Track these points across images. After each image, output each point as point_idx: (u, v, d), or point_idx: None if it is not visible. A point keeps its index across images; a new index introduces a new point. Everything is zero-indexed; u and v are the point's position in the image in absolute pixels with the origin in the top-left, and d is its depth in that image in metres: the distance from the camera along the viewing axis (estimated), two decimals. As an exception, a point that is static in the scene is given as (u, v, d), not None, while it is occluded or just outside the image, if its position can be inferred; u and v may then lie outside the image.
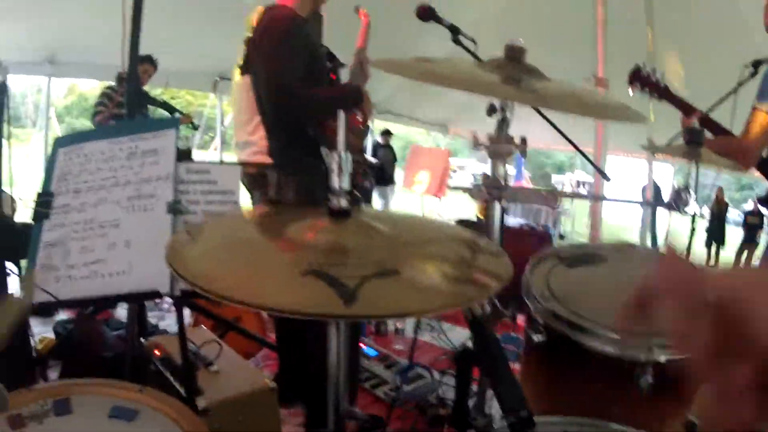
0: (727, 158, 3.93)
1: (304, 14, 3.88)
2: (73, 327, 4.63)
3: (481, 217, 3.64)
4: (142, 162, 2.77)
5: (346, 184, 1.52)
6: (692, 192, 2.97)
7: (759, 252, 20.69)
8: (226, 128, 13.07)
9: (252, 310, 4.91)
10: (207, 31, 8.85)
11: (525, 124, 3.46)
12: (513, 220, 13.79)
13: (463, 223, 7.25)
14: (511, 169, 22.96)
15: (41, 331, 4.86)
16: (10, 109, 2.74)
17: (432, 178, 9.04)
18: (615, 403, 2.20)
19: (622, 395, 2.19)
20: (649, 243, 16.04)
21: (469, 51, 3.43)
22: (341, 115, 1.54)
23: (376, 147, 15.92)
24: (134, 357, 3.34)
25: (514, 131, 2.39)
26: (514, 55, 2.23)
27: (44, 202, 2.79)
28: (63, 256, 2.70)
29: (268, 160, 5.66)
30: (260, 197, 5.82)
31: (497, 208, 2.54)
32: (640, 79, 4.37)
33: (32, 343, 3.51)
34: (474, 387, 2.47)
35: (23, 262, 2.89)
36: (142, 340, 3.57)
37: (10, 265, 3.25)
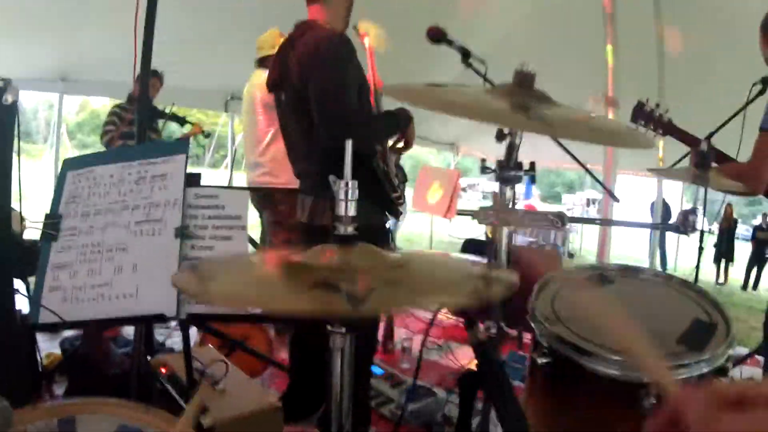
0: (737, 181, 3.91)
1: (340, 29, 3.81)
2: (79, 344, 4.65)
3: (491, 237, 3.65)
4: (152, 186, 2.80)
5: (352, 212, 1.54)
6: (699, 214, 2.98)
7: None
8: (237, 147, 13.09)
9: (259, 328, 4.93)
10: (219, 50, 8.88)
11: (535, 143, 3.47)
12: (521, 239, 13.83)
13: (473, 242, 7.28)
14: (520, 188, 22.87)
15: (48, 347, 4.88)
16: (21, 125, 2.77)
17: (442, 198, 9.02)
18: (618, 425, 2.22)
19: (625, 417, 2.21)
20: (658, 262, 16.06)
21: (479, 73, 3.44)
22: (348, 144, 1.56)
23: (389, 167, 15.60)
24: (140, 375, 3.36)
25: (525, 150, 2.41)
26: (524, 80, 2.24)
27: (52, 224, 2.82)
28: (70, 277, 2.73)
29: (276, 181, 5.68)
30: (269, 218, 5.85)
31: (504, 232, 2.56)
32: (643, 115, 4.33)
33: (39, 358, 3.53)
34: (478, 406, 2.49)
35: (32, 278, 2.91)
36: (148, 357, 3.59)
37: (18, 283, 3.27)
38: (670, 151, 6.42)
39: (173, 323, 5.50)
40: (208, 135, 8.92)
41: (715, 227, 20.53)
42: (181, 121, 8.61)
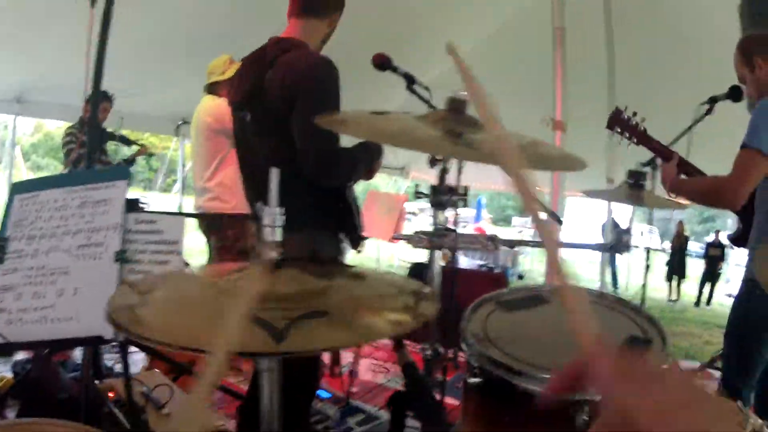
0: (711, 195, 3.91)
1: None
2: (30, 368, 4.65)
3: (442, 262, 3.68)
4: (93, 211, 2.83)
5: (278, 237, 1.59)
6: (649, 233, 3.05)
7: (722, 283, 20.91)
8: (187, 172, 13.07)
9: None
10: (170, 74, 8.89)
11: (483, 167, 3.52)
12: (471, 261, 13.87)
13: (419, 266, 7.31)
14: (470, 211, 22.76)
15: (0, 371, 4.86)
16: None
17: (386, 222, 9.03)
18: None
19: (559, 434, 2.24)
20: (609, 280, 16.18)
21: (423, 99, 3.49)
22: (274, 172, 1.60)
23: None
24: (89, 399, 3.36)
25: (473, 174, 2.46)
26: (457, 107, 2.28)
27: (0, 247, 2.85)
28: (15, 300, 2.76)
29: (224, 206, 5.67)
30: (216, 243, 5.84)
31: (437, 255, 2.61)
32: (619, 122, 4.34)
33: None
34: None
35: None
36: (97, 382, 3.60)
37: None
38: (618, 172, 6.50)
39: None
40: (152, 155, 8.94)
41: (668, 245, 20.76)
42: (128, 142, 8.63)
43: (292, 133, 3.28)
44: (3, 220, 2.95)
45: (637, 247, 13.15)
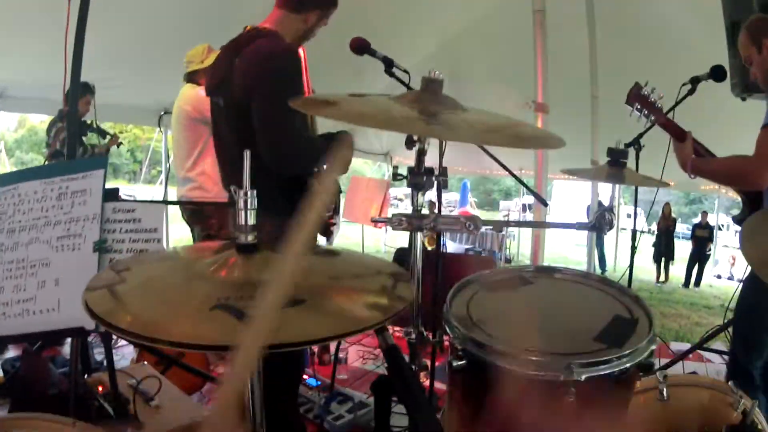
0: (731, 176, 3.92)
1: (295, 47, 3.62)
2: (19, 365, 4.62)
3: (429, 247, 3.68)
4: (72, 202, 2.81)
5: (252, 221, 1.56)
6: (615, 212, 3.02)
7: (710, 265, 20.96)
8: (171, 162, 13.02)
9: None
10: (151, 64, 8.84)
11: (468, 151, 3.50)
12: (458, 246, 13.87)
13: (403, 251, 7.28)
14: (454, 195, 22.84)
15: (-11, 369, 4.85)
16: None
17: (369, 206, 9.02)
18: (540, 424, 2.24)
19: (546, 416, 2.22)
20: (596, 262, 16.20)
21: (402, 82, 3.48)
22: (247, 154, 1.58)
23: (318, 179, 15.61)
24: (78, 394, 3.34)
25: (459, 158, 2.45)
26: (432, 87, 2.26)
27: (-20, 242, 2.83)
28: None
29: (207, 195, 5.65)
30: (200, 232, 5.82)
31: (418, 237, 2.59)
32: (639, 98, 4.22)
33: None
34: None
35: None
36: (86, 376, 3.58)
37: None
38: (603, 154, 6.50)
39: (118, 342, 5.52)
40: (120, 144, 8.93)
41: (654, 227, 20.81)
42: (104, 134, 8.60)
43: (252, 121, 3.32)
44: (-17, 215, 2.93)
45: (624, 229, 13.16)
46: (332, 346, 5.95)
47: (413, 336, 2.78)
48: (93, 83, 7.48)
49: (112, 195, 2.90)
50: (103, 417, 3.11)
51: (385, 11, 8.85)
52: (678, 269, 20.60)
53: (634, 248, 5.71)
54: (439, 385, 4.40)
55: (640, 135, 4.69)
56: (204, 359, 5.08)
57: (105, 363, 5.18)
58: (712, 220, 21.60)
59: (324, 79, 4.30)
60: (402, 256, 6.04)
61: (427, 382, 4.15)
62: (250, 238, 1.58)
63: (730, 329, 5.62)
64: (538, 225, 7.85)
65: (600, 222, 2.85)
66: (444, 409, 2.78)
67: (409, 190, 2.64)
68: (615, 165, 3.68)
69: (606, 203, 13.59)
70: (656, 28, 9.40)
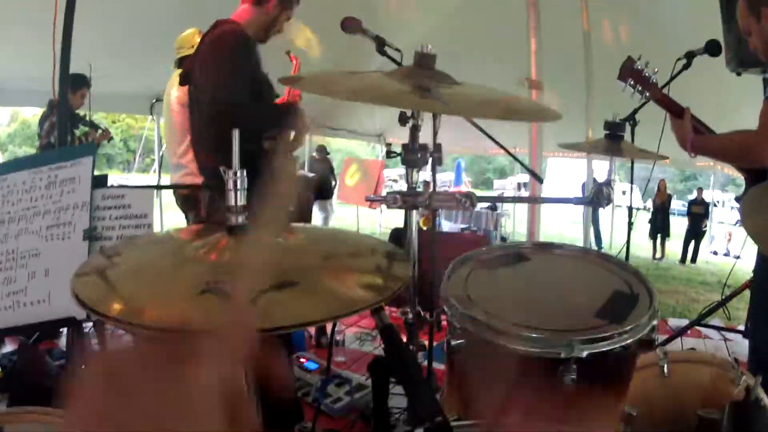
0: (735, 152, 3.75)
1: (250, 34, 3.82)
2: (15, 359, 4.60)
3: (424, 227, 3.65)
4: (61, 191, 2.78)
5: (242, 201, 1.52)
6: (614, 187, 2.97)
7: (705, 242, 20.95)
8: (164, 151, 12.97)
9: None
10: (141, 52, 8.80)
11: (461, 130, 3.46)
12: (453, 225, 13.86)
13: (399, 231, 7.26)
14: (449, 175, 22.84)
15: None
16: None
17: (363, 187, 9.02)
18: (540, 402, 2.21)
19: (547, 394, 2.19)
20: (593, 239, 16.20)
21: (395, 61, 3.45)
22: (235, 133, 1.54)
23: (312, 162, 15.99)
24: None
25: (453, 137, 2.42)
26: (424, 62, 2.23)
27: (-30, 235, 2.80)
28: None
29: (198, 181, 5.62)
30: (194, 218, 5.79)
31: (413, 216, 2.56)
32: (632, 73, 4.03)
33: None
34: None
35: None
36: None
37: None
38: (597, 131, 6.46)
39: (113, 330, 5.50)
40: (111, 138, 8.92)
41: (650, 204, 20.81)
42: (96, 127, 8.57)
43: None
44: (-27, 208, 2.90)
45: (619, 206, 13.16)
46: (328, 328, 5.92)
47: (410, 316, 2.76)
48: (86, 75, 7.45)
49: (100, 182, 2.87)
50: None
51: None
52: (674, 246, 20.61)
53: (630, 224, 5.68)
54: (438, 365, 4.38)
55: (635, 110, 4.65)
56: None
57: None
58: (707, 196, 21.58)
59: (316, 60, 4.28)
60: (398, 236, 6.01)
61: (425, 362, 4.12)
62: (241, 219, 1.53)
63: (729, 306, 5.60)
64: (536, 201, 7.85)
65: (598, 196, 2.81)
66: (443, 389, 2.75)
67: (403, 171, 2.62)
68: (612, 138, 3.64)
69: (601, 181, 13.52)
70: (651, 3, 9.35)
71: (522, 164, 4.24)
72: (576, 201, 2.79)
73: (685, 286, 13.67)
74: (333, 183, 15.39)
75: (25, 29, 7.30)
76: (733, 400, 2.67)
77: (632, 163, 5.40)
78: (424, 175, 2.69)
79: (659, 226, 20.01)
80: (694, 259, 19.69)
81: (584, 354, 2.06)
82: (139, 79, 9.74)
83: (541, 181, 5.45)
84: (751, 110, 3.51)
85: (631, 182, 5.79)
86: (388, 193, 2.47)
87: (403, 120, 2.45)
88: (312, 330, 6.14)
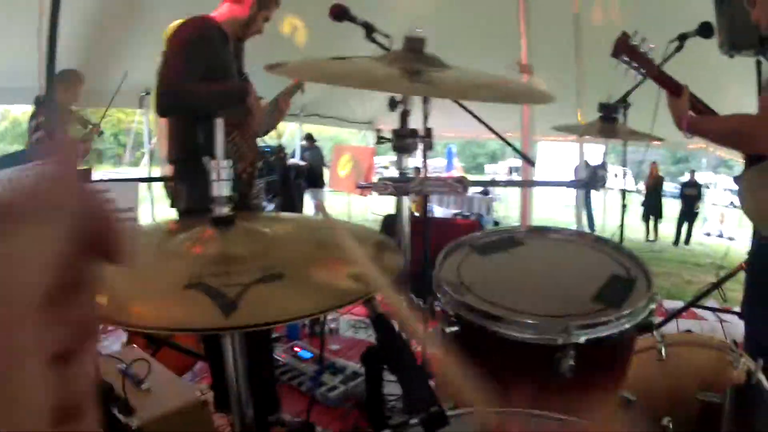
0: (731, 144, 3.64)
1: (228, 31, 3.86)
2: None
3: (416, 212, 3.63)
4: (47, 185, 2.73)
5: (226, 192, 1.48)
6: (607, 169, 2.94)
7: (698, 223, 20.96)
8: (154, 144, 12.91)
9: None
10: (129, 46, 8.76)
11: (452, 115, 3.43)
12: (445, 210, 13.84)
13: (391, 218, 7.23)
14: (441, 161, 22.80)
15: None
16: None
17: (352, 174, 9.00)
18: (537, 390, 2.18)
19: (544, 381, 2.16)
20: (585, 223, 16.19)
21: (384, 47, 3.41)
22: (219, 122, 1.50)
23: (303, 149, 16.06)
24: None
25: (443, 123, 2.38)
26: (414, 46, 2.20)
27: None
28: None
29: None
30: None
31: (405, 201, 2.53)
32: (627, 49, 3.86)
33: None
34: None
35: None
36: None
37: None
38: (588, 115, 6.43)
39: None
40: (101, 133, 8.87)
41: (642, 186, 20.80)
42: (85, 123, 8.52)
43: None
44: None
45: (612, 189, 13.15)
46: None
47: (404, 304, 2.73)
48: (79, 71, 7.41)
49: (85, 176, 2.84)
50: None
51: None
52: (667, 228, 20.61)
53: (624, 207, 5.64)
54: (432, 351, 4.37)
55: (628, 93, 4.58)
56: (194, 337, 5.03)
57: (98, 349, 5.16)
58: (699, 178, 21.61)
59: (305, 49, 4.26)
60: (390, 222, 5.98)
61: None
62: (225, 210, 1.48)
63: (724, 288, 5.57)
64: (530, 184, 7.84)
65: (593, 179, 2.79)
66: (438, 375, 2.73)
67: (394, 158, 2.59)
68: (607, 120, 3.59)
69: (593, 164, 13.53)
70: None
71: (514, 148, 4.20)
72: (570, 184, 2.77)
73: (678, 268, 13.68)
74: (323, 171, 15.40)
75: (10, 26, 7.26)
76: (734, 384, 2.64)
77: (625, 144, 5.36)
78: (415, 161, 2.66)
79: (652, 209, 20.02)
80: (687, 241, 19.72)
81: (582, 340, 2.04)
82: (128, 73, 9.70)
83: (533, 164, 5.43)
84: (741, 92, 3.47)
85: (624, 165, 5.76)
86: (379, 179, 2.44)
87: (392, 105, 2.43)
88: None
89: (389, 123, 2.58)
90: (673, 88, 3.68)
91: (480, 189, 14.99)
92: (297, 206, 11.50)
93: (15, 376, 0.48)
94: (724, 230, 22.30)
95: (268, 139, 4.23)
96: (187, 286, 1.27)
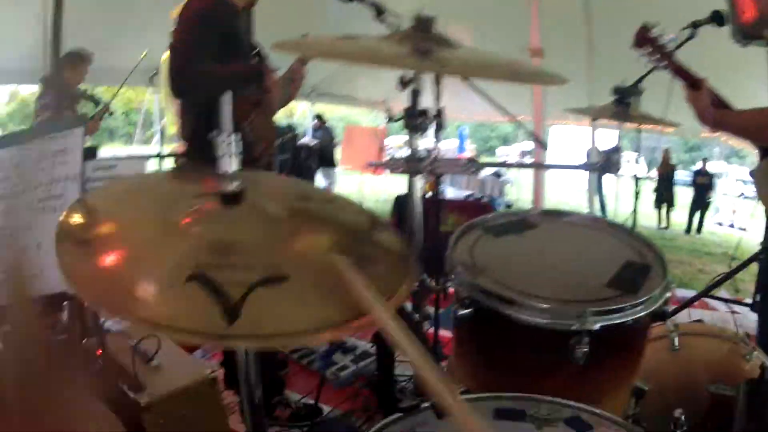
0: (756, 138, 3.54)
1: (239, 2, 3.75)
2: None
3: (428, 191, 3.61)
4: (53, 162, 2.72)
5: (234, 166, 1.42)
6: (621, 153, 2.90)
7: (711, 213, 20.88)
8: (164, 122, 12.90)
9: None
10: (139, 25, 8.74)
11: (464, 98, 3.39)
12: (457, 192, 13.80)
13: (402, 198, 7.19)
14: (453, 142, 22.82)
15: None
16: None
17: (367, 155, 8.99)
18: (550, 376, 2.15)
19: (557, 367, 2.13)
20: (597, 207, 16.14)
21: (394, 28, 3.37)
22: (227, 97, 1.45)
23: (314, 129, 16.01)
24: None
25: (455, 105, 2.35)
26: (423, 25, 2.16)
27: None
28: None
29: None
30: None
31: (417, 181, 2.50)
32: (648, 40, 3.78)
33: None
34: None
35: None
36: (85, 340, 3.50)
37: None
38: (598, 98, 6.38)
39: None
40: (111, 113, 8.84)
41: (654, 173, 20.70)
42: (96, 101, 8.50)
43: None
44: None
45: (624, 175, 13.11)
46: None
47: (416, 284, 2.70)
48: (87, 50, 7.38)
49: (90, 153, 2.82)
50: (103, 379, 3.04)
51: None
52: (679, 216, 20.53)
53: (637, 194, 5.60)
54: (445, 332, 4.33)
55: (641, 78, 4.50)
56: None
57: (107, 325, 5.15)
58: (711, 167, 21.51)
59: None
60: (401, 202, 5.97)
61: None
62: (233, 186, 1.41)
63: (735, 278, 5.51)
64: (545, 167, 7.80)
65: (608, 163, 2.76)
66: (450, 357, 2.70)
67: (405, 139, 2.56)
68: (620, 104, 3.53)
69: (605, 148, 13.44)
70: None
71: (527, 130, 4.16)
72: (586, 167, 2.73)
73: (690, 257, 13.60)
74: (334, 150, 15.40)
75: (17, 5, 7.24)
76: (748, 377, 2.60)
77: (639, 129, 5.31)
78: (427, 141, 2.62)
79: (664, 196, 19.94)
80: (699, 230, 19.64)
81: (597, 326, 2.00)
82: (138, 51, 9.68)
83: (545, 147, 5.39)
84: (754, 82, 3.42)
85: (638, 150, 5.71)
86: (390, 158, 2.41)
87: (403, 84, 2.39)
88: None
89: (400, 104, 2.54)
90: (693, 82, 3.62)
91: (492, 171, 14.92)
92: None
93: None
94: (735, 221, 22.21)
95: (279, 119, 4.15)
96: (188, 278, 1.16)
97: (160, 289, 1.20)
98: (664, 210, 19.98)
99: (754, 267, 4.43)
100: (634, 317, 2.08)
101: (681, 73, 3.67)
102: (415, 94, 2.40)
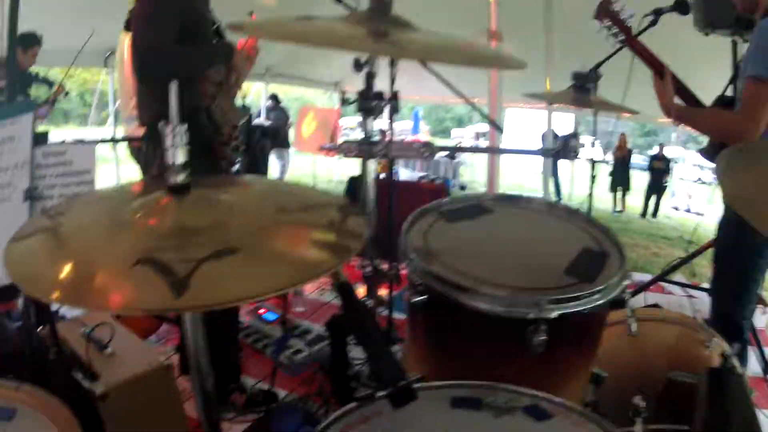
0: (715, 137, 3.65)
1: None
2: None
3: (380, 173, 3.59)
4: (1, 150, 2.65)
5: (181, 158, 1.39)
6: (579, 139, 2.89)
7: (666, 197, 21.07)
8: (118, 104, 12.80)
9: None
10: (95, 5, 8.63)
11: (420, 79, 3.36)
12: (411, 174, 13.84)
13: (355, 180, 7.18)
14: (408, 123, 22.88)
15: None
16: None
17: (317, 134, 8.96)
18: (506, 364, 2.13)
19: (513, 355, 2.11)
20: (552, 190, 16.21)
21: (351, 9, 3.34)
22: (174, 86, 1.41)
23: (268, 110, 16.03)
24: (33, 349, 3.22)
25: (410, 86, 2.32)
26: (381, 6, 2.12)
27: None
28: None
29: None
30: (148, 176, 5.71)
31: (370, 164, 2.48)
32: (608, 14, 3.84)
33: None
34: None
35: None
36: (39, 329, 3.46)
37: None
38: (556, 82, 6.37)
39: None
40: (67, 93, 8.77)
41: (610, 157, 20.82)
42: (51, 84, 8.43)
43: None
44: None
45: (579, 158, 13.18)
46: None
47: (368, 269, 2.69)
48: (37, 31, 7.30)
49: (41, 139, 2.77)
50: (58, 369, 3.00)
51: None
52: (634, 200, 20.71)
53: (593, 177, 5.60)
54: (399, 315, 4.34)
55: (599, 64, 4.49)
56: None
57: (59, 313, 5.09)
58: (668, 152, 21.67)
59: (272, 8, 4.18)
60: (355, 184, 5.94)
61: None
62: (181, 177, 1.39)
63: (693, 262, 5.55)
64: (501, 151, 7.80)
65: (565, 149, 2.75)
66: (405, 342, 2.68)
67: (360, 119, 2.54)
68: (579, 89, 3.52)
69: (560, 132, 13.57)
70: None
71: (482, 114, 4.15)
72: (542, 153, 2.72)
73: (646, 240, 13.73)
74: (288, 130, 15.43)
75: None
76: (707, 365, 2.61)
77: (595, 115, 5.30)
78: (381, 123, 2.60)
79: (619, 180, 20.07)
80: (655, 214, 19.82)
81: (554, 315, 1.98)
82: (90, 31, 9.59)
83: (501, 130, 5.40)
84: (714, 72, 3.43)
85: (594, 135, 5.72)
86: (343, 141, 2.40)
87: (358, 66, 2.37)
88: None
89: (355, 85, 2.52)
90: (656, 66, 3.63)
91: (446, 152, 15.00)
92: (261, 166, 11.51)
93: None
94: (692, 205, 22.41)
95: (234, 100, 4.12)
96: (136, 262, 1.19)
97: (113, 276, 1.23)
98: (619, 194, 20.18)
99: (711, 252, 4.46)
100: (591, 305, 2.07)
101: (642, 53, 3.69)
102: (370, 77, 2.38)
